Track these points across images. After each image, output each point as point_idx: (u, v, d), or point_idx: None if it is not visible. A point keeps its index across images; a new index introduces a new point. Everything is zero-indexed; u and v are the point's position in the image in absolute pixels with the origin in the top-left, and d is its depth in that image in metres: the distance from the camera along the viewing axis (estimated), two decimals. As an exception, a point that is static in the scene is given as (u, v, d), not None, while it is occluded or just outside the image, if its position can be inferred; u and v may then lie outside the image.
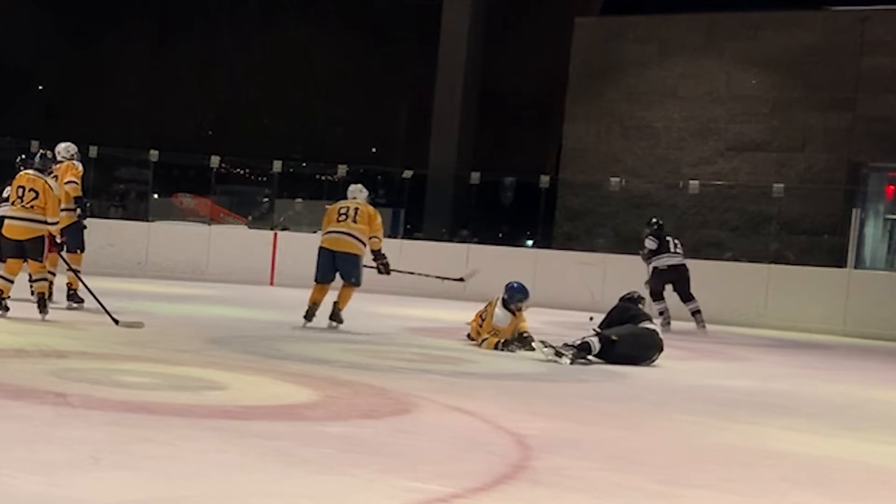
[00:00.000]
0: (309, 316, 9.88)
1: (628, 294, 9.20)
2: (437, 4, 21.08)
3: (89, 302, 9.47)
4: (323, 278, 10.00)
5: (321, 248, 10.00)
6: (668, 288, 12.98)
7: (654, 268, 13.00)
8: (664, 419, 6.00)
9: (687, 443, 5.31)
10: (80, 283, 9.58)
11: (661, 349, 8.55)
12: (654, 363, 8.47)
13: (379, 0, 24.34)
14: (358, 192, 10.29)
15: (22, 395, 5.16)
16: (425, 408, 5.68)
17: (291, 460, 4.16)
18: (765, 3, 18.35)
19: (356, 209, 10.00)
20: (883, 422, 6.70)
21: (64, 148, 10.26)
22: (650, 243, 13.06)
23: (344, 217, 9.95)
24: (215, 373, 6.40)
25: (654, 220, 13.50)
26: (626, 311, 8.83)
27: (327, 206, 10.51)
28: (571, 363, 8.04)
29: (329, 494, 3.74)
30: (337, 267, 9.95)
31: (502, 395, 6.48)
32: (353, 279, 9.94)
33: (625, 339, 8.33)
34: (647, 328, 8.61)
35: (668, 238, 13.17)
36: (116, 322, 8.62)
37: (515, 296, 8.92)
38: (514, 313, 8.92)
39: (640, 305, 9.06)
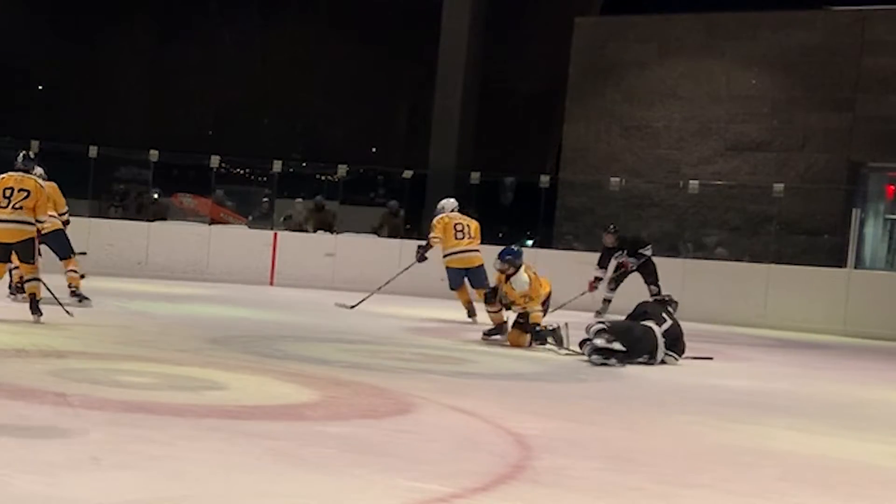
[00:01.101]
0: (471, 314, 11.37)
1: (662, 296, 9.38)
2: (437, 4, 21.06)
3: (47, 297, 9.47)
4: (460, 286, 11.50)
5: (450, 268, 11.42)
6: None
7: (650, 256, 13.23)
8: (664, 419, 6.00)
9: (687, 443, 5.32)
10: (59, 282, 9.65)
11: (655, 349, 8.53)
12: (651, 364, 8.47)
13: (379, 0, 24.32)
14: (455, 206, 11.66)
15: (22, 395, 5.17)
16: (425, 408, 5.69)
17: (291, 460, 4.16)
18: (765, 3, 18.32)
19: (468, 225, 11.47)
20: (883, 422, 6.71)
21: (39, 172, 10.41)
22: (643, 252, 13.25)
23: (462, 235, 11.37)
24: (215, 373, 6.41)
25: (613, 226, 13.64)
26: (646, 308, 8.93)
27: (444, 217, 11.52)
28: (607, 342, 8.09)
29: (329, 494, 3.74)
30: (468, 277, 11.38)
31: (502, 395, 6.48)
32: (485, 284, 10.91)
33: (618, 327, 8.43)
34: (645, 325, 8.61)
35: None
36: (70, 314, 8.74)
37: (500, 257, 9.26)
38: (505, 277, 9.19)
39: (671, 309, 9.07)
